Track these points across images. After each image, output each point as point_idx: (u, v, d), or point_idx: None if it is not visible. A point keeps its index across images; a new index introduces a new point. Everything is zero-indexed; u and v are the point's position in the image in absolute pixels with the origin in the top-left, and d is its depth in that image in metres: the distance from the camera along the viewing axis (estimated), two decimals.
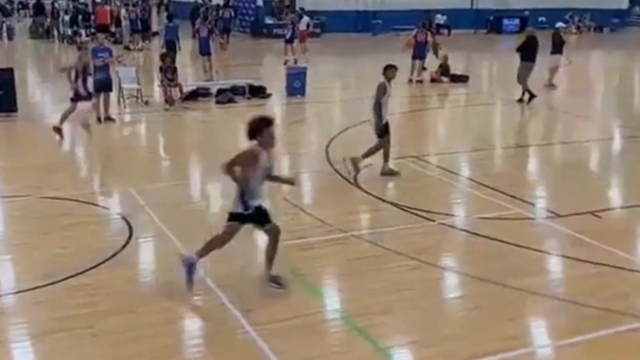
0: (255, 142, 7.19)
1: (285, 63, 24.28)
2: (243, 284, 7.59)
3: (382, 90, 11.65)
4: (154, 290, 7.56)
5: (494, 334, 6.67)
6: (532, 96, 18.46)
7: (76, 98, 13.48)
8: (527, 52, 18.80)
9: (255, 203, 7.22)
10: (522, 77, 18.65)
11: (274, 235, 7.42)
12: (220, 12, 31.75)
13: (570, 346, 6.56)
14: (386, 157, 11.76)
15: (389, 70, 11.78)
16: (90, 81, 13.79)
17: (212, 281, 7.56)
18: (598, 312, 7.09)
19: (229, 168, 7.17)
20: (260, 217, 7.31)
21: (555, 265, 8.55)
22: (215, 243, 7.42)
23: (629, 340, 6.66)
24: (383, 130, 11.73)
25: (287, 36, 26.61)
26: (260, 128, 7.27)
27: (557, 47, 21.42)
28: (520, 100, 18.56)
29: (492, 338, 6.59)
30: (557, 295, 7.60)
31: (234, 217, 7.31)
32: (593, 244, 8.84)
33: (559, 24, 23.08)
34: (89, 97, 13.71)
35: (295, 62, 24.48)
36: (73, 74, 13.53)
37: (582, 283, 7.87)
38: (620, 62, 31.10)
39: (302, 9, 33.75)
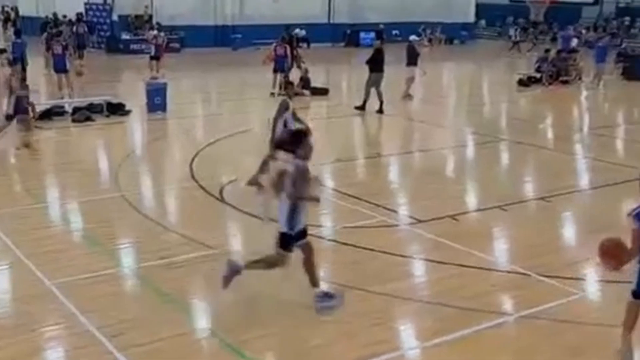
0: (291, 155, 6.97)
1: (151, 79, 23.59)
2: (109, 308, 7.33)
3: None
4: (12, 321, 7.15)
5: (362, 339, 6.81)
6: (381, 105, 19.23)
7: None
8: (375, 64, 19.62)
9: (301, 225, 7.11)
10: (368, 87, 19.46)
11: (308, 250, 7.25)
12: (74, 27, 30.65)
13: (436, 346, 6.81)
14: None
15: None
16: None
17: (74, 307, 7.24)
18: (460, 312, 7.41)
19: (279, 186, 6.89)
20: (300, 236, 7.15)
21: (418, 269, 8.85)
22: (265, 266, 7.26)
23: (490, 336, 7.00)
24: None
25: (152, 52, 25.82)
26: (300, 140, 7.09)
27: (412, 59, 22.26)
28: (380, 111, 19.12)
29: (361, 344, 6.72)
30: (421, 298, 7.86)
31: (283, 239, 7.12)
32: (453, 246, 9.24)
33: (413, 37, 23.98)
34: None
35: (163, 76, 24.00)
36: None
37: (445, 284, 8.19)
38: (470, 73, 32.77)
39: (158, 23, 33.21)
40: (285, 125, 11.60)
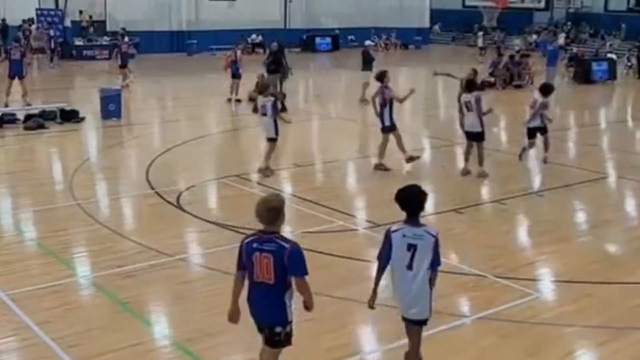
0: None
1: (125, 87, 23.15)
2: (64, 318, 7.21)
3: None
4: None
5: (324, 344, 6.83)
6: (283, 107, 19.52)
7: None
8: (274, 65, 20.51)
9: None
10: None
11: None
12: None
13: (398, 349, 6.83)
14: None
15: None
16: None
17: (29, 318, 7.11)
18: None
19: None
20: None
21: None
22: None
23: (449, 338, 7.07)
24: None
25: (120, 61, 25.04)
26: None
27: (367, 64, 22.41)
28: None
29: (323, 348, 6.75)
30: (381, 301, 7.88)
31: None
32: None
33: (367, 42, 24.16)
34: None
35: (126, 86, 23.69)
36: None
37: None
38: (425, 78, 33.07)
39: (123, 29, 32.87)
40: None
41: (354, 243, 9.83)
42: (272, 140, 13.15)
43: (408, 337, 6.03)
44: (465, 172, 13.26)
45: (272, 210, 5.57)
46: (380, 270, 5.98)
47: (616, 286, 8.48)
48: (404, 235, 5.89)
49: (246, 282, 5.67)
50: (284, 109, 19.11)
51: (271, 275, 5.47)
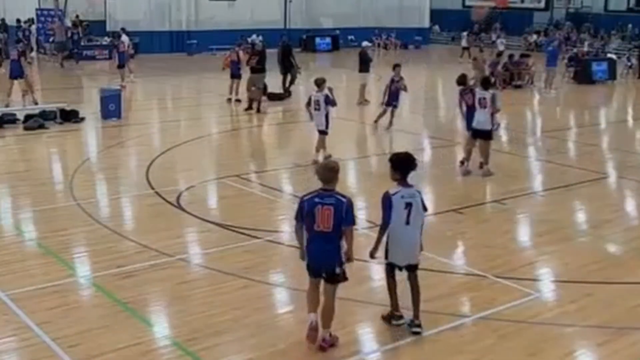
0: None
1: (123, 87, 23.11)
2: (65, 318, 7.22)
3: None
4: None
5: None
6: (254, 105, 20.10)
7: None
8: (261, 64, 20.64)
9: None
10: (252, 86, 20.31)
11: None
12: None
13: (396, 349, 6.86)
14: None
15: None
16: None
17: (29, 318, 7.11)
18: (420, 315, 7.46)
19: None
20: None
21: (377, 273, 8.88)
22: None
23: (448, 338, 7.07)
24: None
25: (117, 61, 25.14)
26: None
27: (364, 65, 22.39)
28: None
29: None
30: (380, 301, 7.90)
31: None
32: None
33: (365, 43, 24.12)
34: None
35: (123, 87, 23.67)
36: None
37: (403, 288, 8.23)
38: (424, 77, 33.09)
39: (123, 29, 32.87)
40: None
41: (354, 243, 9.79)
42: (322, 133, 14.04)
43: (410, 282, 7.16)
44: (466, 172, 13.26)
45: (331, 171, 6.84)
46: (385, 228, 6.97)
47: (616, 286, 8.49)
48: (402, 197, 6.92)
49: None
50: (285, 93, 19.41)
51: (330, 225, 6.57)
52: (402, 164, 6.97)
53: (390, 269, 7.18)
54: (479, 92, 13.38)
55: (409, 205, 6.89)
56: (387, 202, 6.91)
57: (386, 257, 7.16)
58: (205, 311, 7.47)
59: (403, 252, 7.04)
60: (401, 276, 7.24)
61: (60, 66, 28.93)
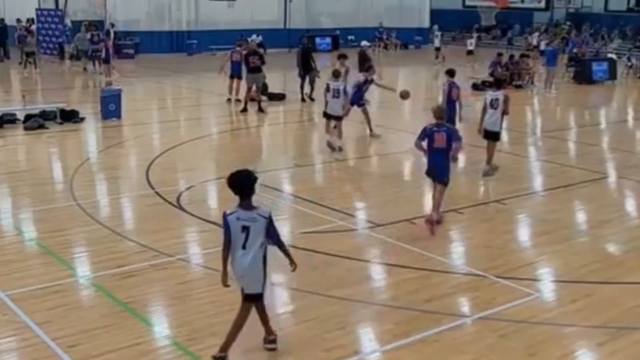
0: None
1: (108, 85, 23.34)
2: (65, 318, 7.22)
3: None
4: None
5: (324, 344, 6.82)
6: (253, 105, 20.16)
7: None
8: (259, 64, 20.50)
9: None
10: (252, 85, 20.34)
11: None
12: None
13: (396, 349, 6.86)
14: None
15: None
16: None
17: (29, 318, 7.12)
18: (419, 315, 7.48)
19: None
20: None
21: (377, 272, 8.90)
22: None
23: (449, 338, 7.07)
24: None
25: (104, 55, 25.72)
26: None
27: (364, 65, 22.36)
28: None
29: (322, 348, 6.74)
30: (380, 301, 7.91)
31: None
32: (411, 249, 9.32)
33: (364, 43, 24.10)
34: None
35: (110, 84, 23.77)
36: None
37: (403, 288, 8.25)
38: (424, 77, 33.12)
39: (112, 24, 32.94)
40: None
41: (353, 243, 9.83)
42: (338, 119, 15.55)
43: (246, 309, 6.52)
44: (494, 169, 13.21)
45: (442, 112, 10.63)
46: (225, 249, 6.41)
47: (616, 286, 8.49)
48: (237, 218, 6.36)
49: None
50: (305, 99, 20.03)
51: (444, 144, 10.02)
52: (237, 185, 6.47)
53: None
54: (491, 94, 13.24)
55: (245, 229, 6.29)
56: (224, 222, 6.39)
57: None
58: (205, 311, 7.47)
59: (239, 277, 6.40)
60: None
61: (84, 70, 28.72)
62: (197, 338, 6.87)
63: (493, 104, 13.01)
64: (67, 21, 34.46)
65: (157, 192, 11.75)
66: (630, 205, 12.54)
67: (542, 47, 34.95)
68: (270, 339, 6.73)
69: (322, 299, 7.84)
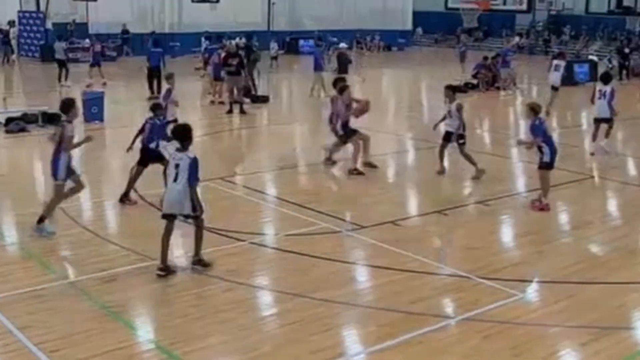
0: None
1: (88, 86, 23.57)
2: (47, 323, 7.15)
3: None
4: None
5: (308, 346, 6.82)
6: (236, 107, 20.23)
7: None
8: (237, 67, 20.57)
9: None
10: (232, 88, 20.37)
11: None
12: None
13: (381, 351, 6.86)
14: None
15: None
16: None
17: (11, 323, 7.05)
18: (404, 316, 7.48)
19: None
20: None
21: (361, 274, 8.91)
22: None
23: (433, 340, 7.08)
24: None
25: (91, 60, 25.91)
26: None
27: (343, 67, 22.41)
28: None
29: (307, 350, 6.73)
30: (365, 303, 7.91)
31: None
32: (395, 251, 9.33)
33: (342, 45, 24.14)
34: None
35: (104, 84, 24.08)
36: None
37: (388, 289, 8.26)
38: (407, 79, 33.22)
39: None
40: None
41: (338, 245, 9.82)
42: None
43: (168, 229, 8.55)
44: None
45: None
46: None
47: (599, 286, 8.54)
48: (173, 158, 8.43)
49: None
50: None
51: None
52: (176, 134, 8.60)
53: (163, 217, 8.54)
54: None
55: (177, 166, 8.29)
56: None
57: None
58: (190, 314, 7.44)
59: (169, 203, 8.38)
60: None
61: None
62: (182, 341, 6.84)
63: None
64: (49, 23, 34.25)
65: (140, 196, 11.68)
66: (612, 206, 12.63)
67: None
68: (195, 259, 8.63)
69: (307, 301, 7.83)
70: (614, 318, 7.62)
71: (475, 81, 26.84)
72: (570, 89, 27.70)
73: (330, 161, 14.10)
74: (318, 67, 23.83)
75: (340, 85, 13.95)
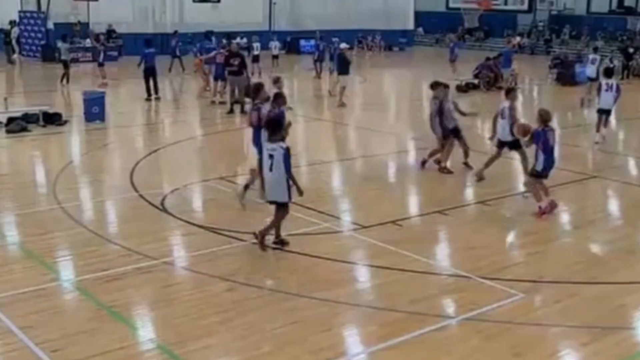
0: None
1: (101, 85, 23.83)
2: (49, 323, 7.16)
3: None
4: None
5: (309, 346, 6.82)
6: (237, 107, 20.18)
7: None
8: (239, 67, 20.46)
9: None
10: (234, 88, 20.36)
11: None
12: None
13: (382, 351, 6.86)
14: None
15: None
16: None
17: (12, 323, 7.05)
18: (405, 316, 7.48)
19: None
20: None
21: (362, 274, 8.91)
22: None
23: (434, 340, 7.08)
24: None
25: (100, 59, 25.90)
26: None
27: (343, 67, 22.41)
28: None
29: (307, 350, 6.74)
30: (366, 303, 7.92)
31: None
32: (396, 251, 9.33)
33: (343, 45, 24.13)
34: None
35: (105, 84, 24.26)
36: None
37: (389, 289, 8.26)
38: (408, 79, 33.21)
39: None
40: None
41: (339, 245, 9.83)
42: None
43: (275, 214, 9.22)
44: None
45: None
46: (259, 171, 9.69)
47: (600, 286, 8.54)
48: (267, 149, 9.07)
49: None
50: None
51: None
52: (269, 126, 9.39)
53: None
54: (503, 102, 12.90)
55: (270, 157, 8.95)
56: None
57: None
58: (190, 314, 7.44)
59: (271, 192, 9.11)
60: None
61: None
62: (182, 341, 6.84)
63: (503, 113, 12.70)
64: (50, 23, 34.26)
65: (141, 195, 11.69)
66: (613, 205, 12.63)
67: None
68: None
69: (307, 300, 7.83)
70: (614, 318, 7.62)
71: (476, 81, 26.84)
72: (571, 88, 27.72)
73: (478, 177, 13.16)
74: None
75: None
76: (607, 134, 17.44)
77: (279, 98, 11.64)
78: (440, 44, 48.47)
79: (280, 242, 9.38)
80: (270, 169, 8.95)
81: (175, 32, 32.84)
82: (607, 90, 17.16)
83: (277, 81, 14.14)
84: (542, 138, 10.96)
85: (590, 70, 24.27)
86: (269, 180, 9.05)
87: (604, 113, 17.28)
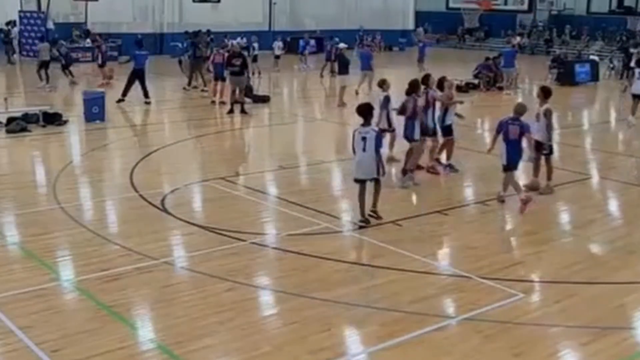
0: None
1: (103, 85, 23.96)
2: (49, 323, 7.16)
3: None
4: None
5: (309, 346, 6.82)
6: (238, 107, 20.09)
7: None
8: (241, 67, 20.28)
9: None
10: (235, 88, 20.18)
11: None
12: None
13: (382, 351, 6.86)
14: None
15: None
16: None
17: (12, 323, 7.05)
18: (405, 316, 7.49)
19: None
20: None
21: (362, 274, 8.90)
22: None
23: (434, 340, 7.09)
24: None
25: (99, 61, 25.92)
26: None
27: (343, 67, 22.40)
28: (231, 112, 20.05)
29: (307, 350, 6.74)
30: (366, 303, 7.92)
31: None
32: (396, 251, 9.33)
33: (342, 45, 24.10)
34: None
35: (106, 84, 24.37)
36: None
37: (388, 289, 8.26)
38: (408, 79, 33.11)
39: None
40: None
41: (338, 245, 9.83)
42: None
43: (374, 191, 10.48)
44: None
45: (523, 107, 11.72)
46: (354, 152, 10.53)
47: (600, 286, 8.54)
48: (359, 132, 10.22)
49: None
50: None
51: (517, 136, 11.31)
52: (361, 111, 10.34)
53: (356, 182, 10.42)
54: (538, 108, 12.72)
55: (363, 139, 10.09)
56: (353, 136, 10.40)
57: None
58: (190, 314, 7.45)
59: (362, 170, 10.26)
60: None
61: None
62: (182, 341, 6.84)
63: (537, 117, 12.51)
64: (50, 23, 34.22)
65: (141, 195, 11.70)
66: (613, 205, 12.63)
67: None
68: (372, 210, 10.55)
69: (307, 300, 7.83)
70: (614, 318, 7.62)
71: (476, 81, 26.84)
72: (571, 88, 27.73)
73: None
74: (365, 67, 23.89)
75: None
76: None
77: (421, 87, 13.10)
78: (441, 44, 48.47)
79: (375, 213, 10.49)
80: (364, 149, 10.10)
81: (186, 32, 32.60)
82: (639, 78, 19.37)
83: (383, 84, 14.20)
84: (503, 129, 11.49)
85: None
86: (362, 160, 10.17)
87: (637, 97, 19.27)
